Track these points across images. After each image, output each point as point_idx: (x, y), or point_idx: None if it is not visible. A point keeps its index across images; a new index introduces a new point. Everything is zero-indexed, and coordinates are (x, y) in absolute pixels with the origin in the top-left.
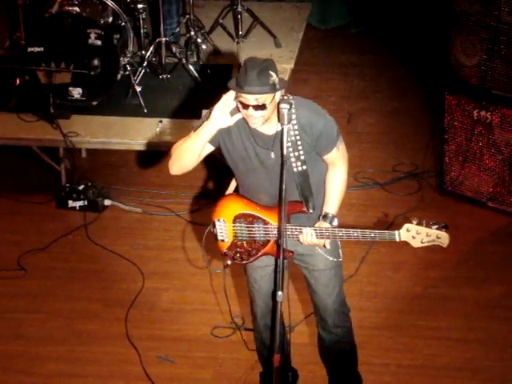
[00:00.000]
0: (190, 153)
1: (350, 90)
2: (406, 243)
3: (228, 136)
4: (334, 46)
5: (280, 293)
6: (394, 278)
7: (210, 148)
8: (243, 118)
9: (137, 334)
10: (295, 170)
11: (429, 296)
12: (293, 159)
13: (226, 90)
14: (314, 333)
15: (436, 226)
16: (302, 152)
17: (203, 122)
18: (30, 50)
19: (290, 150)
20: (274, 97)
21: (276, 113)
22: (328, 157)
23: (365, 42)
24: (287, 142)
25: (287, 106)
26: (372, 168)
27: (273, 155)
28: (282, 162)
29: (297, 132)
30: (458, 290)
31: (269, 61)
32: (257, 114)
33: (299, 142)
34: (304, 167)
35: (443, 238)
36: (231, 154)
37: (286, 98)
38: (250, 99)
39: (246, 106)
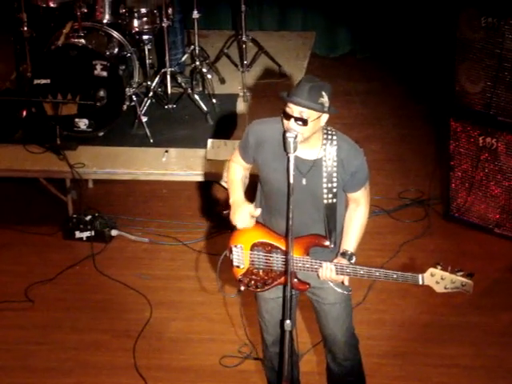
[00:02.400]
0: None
1: (355, 118)
2: (412, 270)
3: (261, 152)
4: (338, 74)
5: (288, 321)
6: (401, 306)
7: (245, 164)
8: (280, 138)
9: (145, 364)
10: (325, 201)
11: (436, 323)
12: (325, 190)
13: (231, 120)
14: (322, 361)
15: (461, 273)
16: (335, 184)
17: (241, 147)
18: (36, 82)
19: (324, 180)
20: (318, 118)
21: (320, 138)
22: (355, 194)
23: (369, 70)
24: (324, 172)
25: (293, 135)
26: (378, 195)
27: (304, 182)
28: (289, 192)
29: (335, 164)
30: (466, 318)
31: (326, 83)
32: (296, 128)
33: (335, 174)
34: (334, 200)
35: (468, 285)
36: (261, 173)
37: (329, 129)
38: (295, 110)
39: (288, 117)
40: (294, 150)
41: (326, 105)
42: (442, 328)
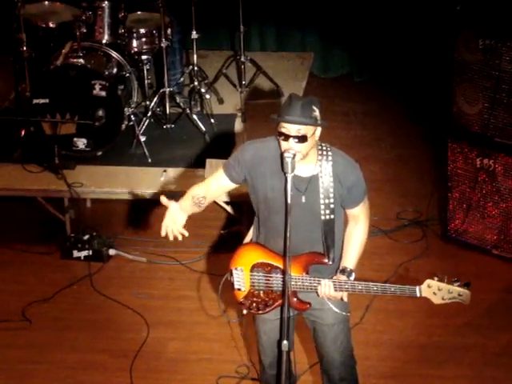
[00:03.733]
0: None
1: (352, 139)
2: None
3: (255, 173)
4: (336, 95)
5: (285, 342)
6: (398, 326)
7: (231, 185)
8: (276, 158)
9: None
10: (323, 217)
11: (434, 344)
12: (322, 206)
13: (229, 140)
14: (319, 382)
15: (458, 284)
16: (332, 200)
17: (229, 165)
18: (35, 101)
19: (322, 196)
20: (314, 133)
21: (315, 154)
22: (353, 210)
23: (367, 91)
24: (321, 188)
25: (291, 155)
26: (376, 215)
27: (304, 199)
28: (287, 211)
29: (331, 179)
30: (464, 338)
31: (314, 98)
32: (297, 147)
33: (331, 190)
34: (332, 216)
35: (465, 295)
36: (256, 193)
37: (323, 145)
38: (291, 129)
39: (286, 138)
40: (292, 170)
41: (319, 118)
42: (440, 349)
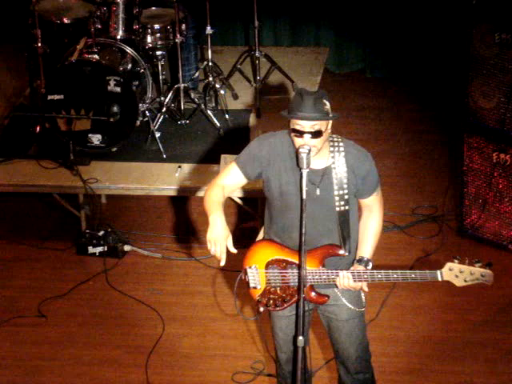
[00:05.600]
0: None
1: (368, 134)
2: (425, 286)
3: (270, 168)
4: (351, 90)
5: (301, 337)
6: (414, 322)
7: (245, 181)
8: (289, 152)
9: (157, 380)
10: (337, 209)
11: (450, 340)
12: (337, 198)
13: (244, 135)
14: (335, 378)
15: (479, 264)
16: (346, 191)
17: (244, 159)
18: (50, 97)
19: (336, 187)
20: (327, 126)
21: (327, 146)
22: (367, 200)
23: (382, 86)
24: (334, 179)
25: (306, 151)
26: (391, 211)
27: (318, 192)
28: (302, 206)
29: (345, 170)
30: (480, 334)
31: (323, 91)
32: (312, 142)
33: (345, 181)
34: (347, 207)
35: (487, 275)
36: (271, 188)
37: (334, 136)
38: (306, 126)
39: (301, 134)
40: (308, 166)
41: (330, 111)
42: (456, 345)
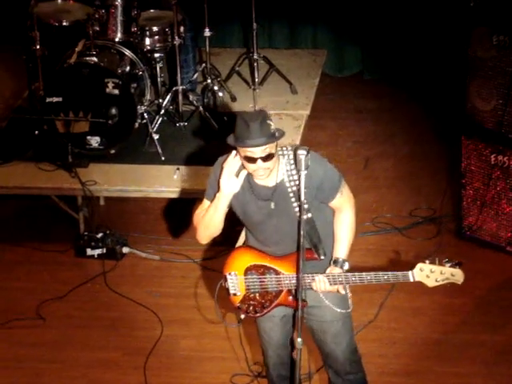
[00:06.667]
0: (214, 223)
1: (366, 136)
2: (424, 288)
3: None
4: (349, 92)
5: (300, 340)
6: (413, 324)
7: (226, 210)
8: (244, 171)
9: (156, 382)
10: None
11: (448, 342)
12: (296, 209)
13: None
14: (324, 380)
15: (449, 264)
16: (304, 201)
17: (210, 186)
18: (48, 99)
19: (293, 199)
20: (276, 146)
21: (276, 164)
22: (333, 203)
23: (380, 88)
24: (289, 192)
25: (304, 153)
26: (389, 213)
27: (272, 205)
28: (301, 210)
29: (297, 182)
30: (478, 336)
31: (264, 111)
32: (265, 166)
33: (301, 191)
34: (309, 215)
35: (457, 275)
36: (235, 209)
37: (284, 148)
38: (257, 152)
39: (253, 160)
40: (306, 168)
41: (275, 130)
42: (454, 346)
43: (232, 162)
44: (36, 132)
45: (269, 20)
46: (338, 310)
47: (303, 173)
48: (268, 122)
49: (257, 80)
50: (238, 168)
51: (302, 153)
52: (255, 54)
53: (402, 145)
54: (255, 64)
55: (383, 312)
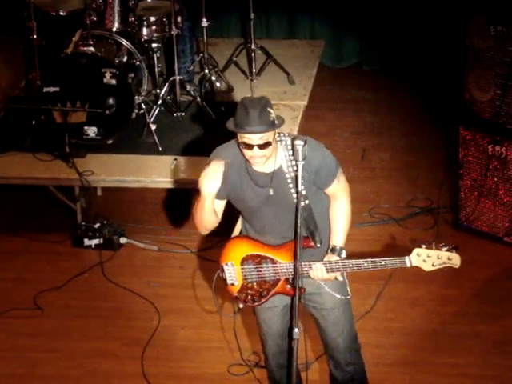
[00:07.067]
0: (207, 218)
1: (363, 126)
2: (421, 278)
3: (227, 181)
4: (346, 83)
5: (296, 330)
6: (410, 314)
7: (223, 203)
8: (240, 161)
9: (153, 372)
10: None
11: (445, 332)
12: (294, 195)
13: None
14: (325, 370)
15: (446, 248)
16: (302, 187)
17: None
18: (45, 89)
19: (291, 185)
20: (275, 134)
21: (276, 147)
22: (329, 189)
23: (377, 79)
24: (287, 178)
25: (301, 143)
26: (387, 203)
27: (271, 192)
28: (298, 198)
29: (295, 168)
30: (475, 327)
31: (265, 98)
32: (261, 153)
33: (299, 177)
34: (306, 202)
35: (454, 259)
36: (233, 198)
37: (282, 135)
38: (255, 139)
39: (250, 147)
40: (303, 158)
41: (275, 118)
42: (451, 337)
43: (214, 164)
44: (33, 122)
45: (266, 10)
46: (338, 296)
47: (300, 163)
48: (268, 109)
49: (254, 70)
50: (218, 169)
51: (299, 143)
52: (253, 45)
53: (400, 136)
54: (253, 54)
55: (380, 302)
